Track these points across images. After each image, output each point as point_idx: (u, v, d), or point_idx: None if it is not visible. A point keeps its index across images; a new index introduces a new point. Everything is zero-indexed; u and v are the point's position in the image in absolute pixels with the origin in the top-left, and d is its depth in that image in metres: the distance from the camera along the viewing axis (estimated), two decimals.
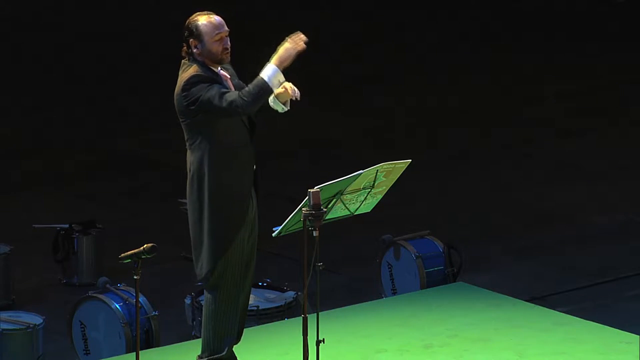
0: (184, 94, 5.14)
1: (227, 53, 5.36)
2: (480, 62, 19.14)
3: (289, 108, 5.30)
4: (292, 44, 4.89)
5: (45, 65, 18.93)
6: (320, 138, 15.26)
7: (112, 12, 21.31)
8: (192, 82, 5.12)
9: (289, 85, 5.17)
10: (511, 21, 21.15)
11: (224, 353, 5.62)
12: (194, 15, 5.33)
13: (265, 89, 4.85)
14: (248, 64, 5.70)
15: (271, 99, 5.21)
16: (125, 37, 20.13)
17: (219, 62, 5.21)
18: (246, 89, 4.94)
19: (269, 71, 4.83)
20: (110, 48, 19.70)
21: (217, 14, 5.27)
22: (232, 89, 5.26)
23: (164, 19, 19.36)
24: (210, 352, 5.68)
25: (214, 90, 4.99)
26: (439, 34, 20.48)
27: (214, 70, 5.20)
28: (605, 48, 19.50)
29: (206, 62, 5.19)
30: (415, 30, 20.68)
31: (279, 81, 4.91)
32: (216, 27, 5.31)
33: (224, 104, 4.97)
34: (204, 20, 5.31)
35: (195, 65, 5.23)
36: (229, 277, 5.45)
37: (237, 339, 5.77)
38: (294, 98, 5.21)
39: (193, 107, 5.10)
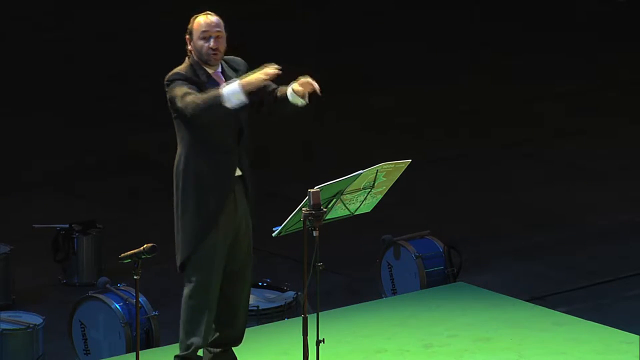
0: (165, 90, 5.24)
1: (215, 54, 5.28)
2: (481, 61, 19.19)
3: (307, 102, 5.32)
4: (263, 74, 4.88)
5: (47, 63, 18.94)
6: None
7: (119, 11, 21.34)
8: (170, 79, 5.20)
9: (307, 79, 5.20)
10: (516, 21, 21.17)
11: (188, 352, 5.60)
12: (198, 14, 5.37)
13: (218, 102, 4.83)
14: None
15: (290, 92, 5.26)
16: (126, 37, 20.16)
17: (206, 62, 5.20)
18: (204, 94, 4.94)
19: (231, 88, 4.84)
20: (114, 47, 19.74)
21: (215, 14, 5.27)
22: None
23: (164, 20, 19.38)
24: (181, 350, 5.71)
25: (180, 90, 5.03)
26: (441, 36, 20.49)
27: (205, 70, 5.17)
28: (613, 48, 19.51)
29: (199, 61, 5.21)
30: (417, 30, 20.69)
31: (239, 99, 4.89)
32: (203, 25, 5.27)
33: (182, 104, 5.01)
34: (198, 19, 5.33)
35: (186, 63, 5.27)
36: (198, 276, 5.45)
37: (231, 341, 5.68)
38: (311, 91, 5.23)
39: (169, 104, 5.25)
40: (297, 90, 5.23)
